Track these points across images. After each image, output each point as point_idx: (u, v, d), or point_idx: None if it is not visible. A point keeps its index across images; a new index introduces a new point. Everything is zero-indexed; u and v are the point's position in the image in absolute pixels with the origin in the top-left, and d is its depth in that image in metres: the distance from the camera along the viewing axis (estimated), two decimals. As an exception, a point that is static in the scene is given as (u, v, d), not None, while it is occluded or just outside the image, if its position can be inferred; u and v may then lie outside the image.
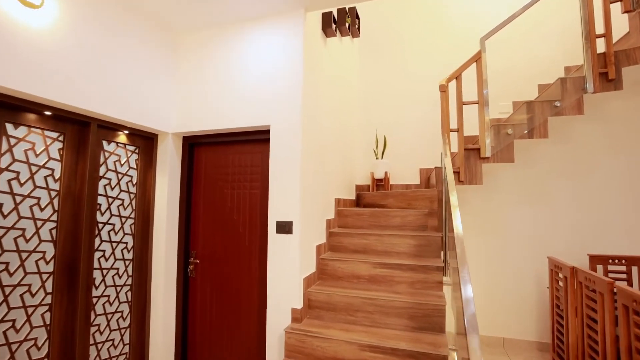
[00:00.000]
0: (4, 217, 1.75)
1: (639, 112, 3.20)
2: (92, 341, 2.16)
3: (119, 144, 2.39)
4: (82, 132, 2.13)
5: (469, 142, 3.21)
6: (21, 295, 1.81)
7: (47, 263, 1.93)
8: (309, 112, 2.38)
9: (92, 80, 2.03)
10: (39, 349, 1.87)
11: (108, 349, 2.28)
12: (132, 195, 2.48)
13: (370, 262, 2.46)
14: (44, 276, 1.91)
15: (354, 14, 3.46)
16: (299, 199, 2.21)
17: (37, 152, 1.90)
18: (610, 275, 2.92)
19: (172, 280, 2.63)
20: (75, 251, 2.07)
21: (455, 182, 2.59)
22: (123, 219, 2.41)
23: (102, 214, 2.26)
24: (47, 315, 1.92)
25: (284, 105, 2.31)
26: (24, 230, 1.83)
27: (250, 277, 2.50)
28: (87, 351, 2.11)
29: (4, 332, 1.73)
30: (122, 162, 2.42)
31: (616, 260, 2.97)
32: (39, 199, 1.90)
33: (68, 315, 2.02)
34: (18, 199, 1.81)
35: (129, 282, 2.45)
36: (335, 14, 2.90)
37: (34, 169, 1.88)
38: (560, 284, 2.72)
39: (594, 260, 3.02)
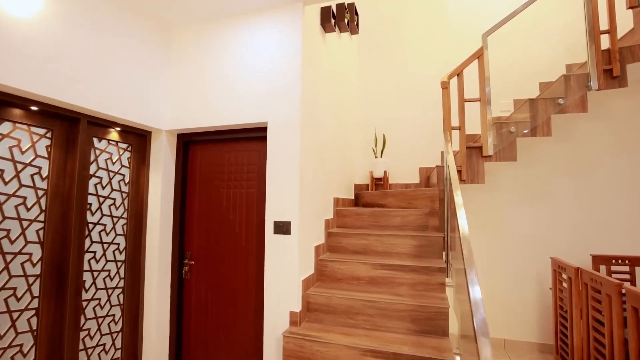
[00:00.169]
0: (-13, 217, 1.67)
1: (642, 110, 3.16)
2: (81, 346, 2.08)
3: (110, 142, 2.31)
4: (71, 129, 2.04)
5: (470, 140, 3.15)
6: (5, 300, 1.72)
7: (34, 265, 1.84)
8: (307, 109, 2.31)
9: (82, 75, 1.95)
10: (24, 355, 1.78)
11: (99, 354, 2.20)
12: (124, 195, 2.40)
13: (371, 263, 2.40)
14: (31, 279, 1.82)
15: (352, 10, 3.40)
16: (298, 198, 2.14)
17: (23, 150, 1.82)
18: (614, 275, 2.87)
19: (166, 282, 2.55)
20: (64, 253, 1.98)
21: (457, 181, 2.53)
22: (115, 219, 2.32)
23: (93, 214, 2.17)
24: (34, 320, 1.83)
25: (281, 101, 2.24)
26: (8, 231, 1.74)
27: (246, 279, 2.43)
28: (76, 357, 2.02)
29: (-13, 339, 1.65)
30: (114, 160, 2.34)
31: (619, 261, 2.93)
32: (25, 198, 1.81)
33: (56, 320, 1.93)
34: (2, 198, 1.72)
35: (121, 284, 2.36)
36: (334, 8, 2.82)
37: (19, 166, 1.79)
38: (564, 284, 2.66)
39: (597, 260, 2.97)
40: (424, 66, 3.99)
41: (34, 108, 1.83)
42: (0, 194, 1.71)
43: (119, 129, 2.34)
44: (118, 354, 2.33)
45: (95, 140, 2.20)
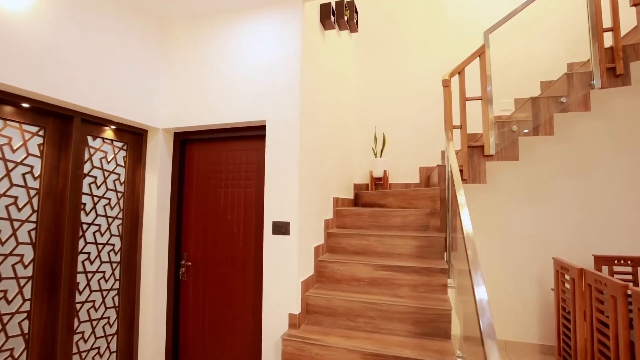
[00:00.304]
0: (-24, 217, 1.62)
1: (645, 109, 3.14)
2: (75, 350, 2.02)
3: (105, 140, 2.25)
4: (64, 127, 1.99)
5: (471, 139, 3.12)
6: (-4, 303, 1.67)
7: (25, 267, 1.79)
8: (307, 107, 2.27)
9: (75, 71, 1.90)
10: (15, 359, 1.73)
11: (93, 357, 2.14)
12: (119, 194, 2.34)
13: (371, 264, 2.35)
14: (22, 281, 1.77)
15: (352, 7, 3.35)
16: (297, 198, 2.09)
17: (14, 148, 1.76)
18: (616, 276, 2.84)
19: (163, 283, 2.49)
20: (57, 254, 1.93)
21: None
22: (110, 220, 2.27)
23: (87, 214, 2.12)
24: (25, 324, 1.78)
25: (280, 99, 2.19)
26: (-1, 231, 1.69)
27: (245, 280, 2.38)
28: (69, 361, 1.97)
29: (-24, 343, 1.60)
30: (109, 159, 2.28)
31: (622, 261, 2.89)
32: (16, 198, 1.76)
33: (48, 323, 1.88)
34: (-8, 198, 1.67)
35: (116, 286, 2.31)
36: (333, 5, 2.78)
37: (10, 165, 1.74)
38: (567, 285, 2.63)
39: (599, 261, 2.94)
40: (424, 65, 3.95)
41: (25, 105, 1.77)
42: (-10, 194, 1.66)
43: (114, 127, 2.28)
44: (113, 358, 2.27)
45: (89, 138, 2.14)
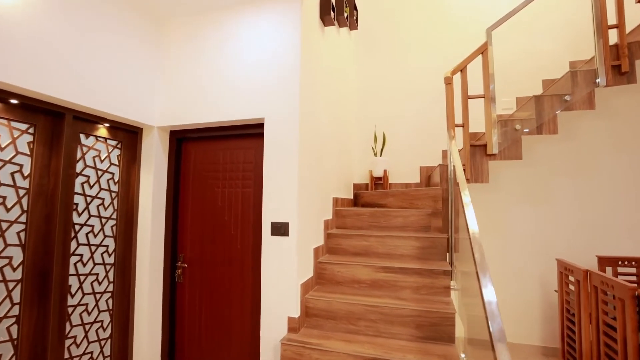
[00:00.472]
0: (-38, 218, 1.55)
1: (649, 107, 3.10)
2: (67, 355, 1.96)
3: (98, 138, 2.19)
4: (55, 124, 1.92)
5: (472, 138, 3.07)
6: (-18, 307, 1.60)
7: (14, 270, 1.72)
8: (306, 104, 2.21)
9: (67, 67, 1.83)
10: (4, 366, 1.67)
11: (86, 362, 2.08)
12: (113, 194, 2.28)
13: (372, 265, 2.30)
14: (11, 285, 1.70)
15: (352, 4, 3.30)
16: (296, 198, 2.03)
17: (3, 146, 1.69)
18: (620, 277, 2.80)
19: (158, 286, 2.43)
20: (48, 256, 1.86)
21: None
22: (103, 220, 2.20)
23: (80, 215, 2.05)
24: (14, 329, 1.71)
25: (279, 96, 2.13)
26: (-14, 233, 1.62)
27: (242, 282, 2.32)
28: (61, 366, 1.90)
29: (-38, 350, 1.53)
30: (103, 158, 2.22)
31: (626, 262, 2.85)
32: (4, 198, 1.69)
33: (39, 328, 1.81)
34: (-21, 198, 1.60)
35: (110, 288, 2.24)
36: (333, 1, 2.72)
37: (-2, 164, 1.67)
38: (571, 287, 2.58)
39: (603, 261, 2.89)
40: (424, 63, 3.90)
41: (14, 101, 1.71)
42: (-23, 194, 1.59)
43: (107, 125, 2.22)
44: (107, 362, 2.21)
45: (82, 136, 2.08)
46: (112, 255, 2.26)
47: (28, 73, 1.64)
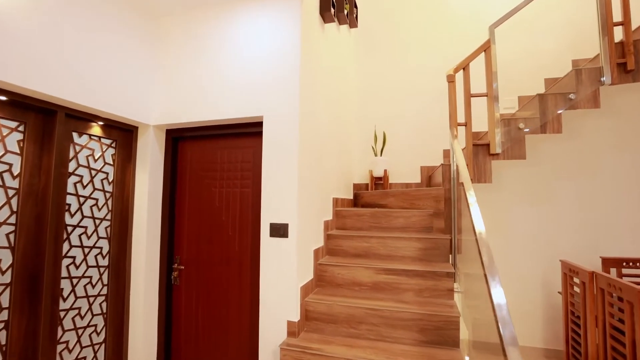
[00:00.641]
0: (-53, 219, 1.48)
1: (653, 106, 3.05)
2: (59, 361, 1.89)
3: (92, 137, 2.12)
4: (47, 122, 1.86)
5: (474, 138, 3.02)
6: (-31, 312, 1.54)
7: (3, 273, 1.66)
8: (306, 103, 2.15)
9: (59, 63, 1.77)
10: (-8, 373, 1.60)
11: (79, 368, 2.01)
12: (107, 194, 2.21)
13: (373, 267, 2.24)
14: (-1, 288, 1.64)
15: (352, 1, 3.25)
16: (296, 198, 1.97)
17: (-9, 144, 1.63)
18: (625, 279, 2.75)
19: (154, 288, 2.37)
20: (39, 258, 1.79)
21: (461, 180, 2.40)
22: (97, 221, 2.14)
23: (72, 216, 1.99)
24: (3, 334, 1.64)
25: (279, 94, 2.07)
26: (-27, 235, 1.56)
27: (240, 285, 2.26)
28: (52, 373, 1.84)
29: (-53, 357, 1.46)
30: (96, 157, 2.15)
31: (630, 263, 2.81)
32: (-8, 198, 1.63)
33: (29, 333, 1.74)
34: (-35, 198, 1.54)
35: (104, 291, 2.18)
36: (333, -3, 2.67)
37: (-14, 163, 1.61)
38: (576, 289, 2.53)
39: (607, 263, 2.85)
40: (425, 61, 3.85)
41: (3, 98, 1.64)
42: (-37, 194, 1.53)
43: (101, 123, 2.16)
44: (100, 368, 2.14)
45: (74, 135, 2.01)
46: (107, 257, 2.20)
47: (17, 69, 1.58)
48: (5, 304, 1.66)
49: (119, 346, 2.25)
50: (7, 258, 1.67)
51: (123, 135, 2.32)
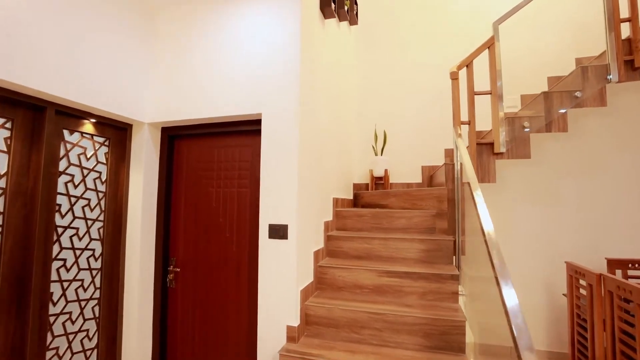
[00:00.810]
0: None
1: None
2: (48, 368, 1.81)
3: (84, 134, 2.05)
4: (36, 119, 1.78)
5: (477, 137, 2.96)
6: (-49, 318, 1.46)
7: (-11, 277, 1.58)
8: (306, 100, 2.08)
9: (49, 58, 1.69)
10: (-24, 382, 1.52)
11: (70, 375, 1.94)
12: (100, 194, 2.14)
13: (375, 269, 2.17)
14: (-16, 293, 1.56)
15: (352, -3, 3.18)
16: (296, 198, 1.90)
17: (-24, 141, 1.55)
18: (630, 280, 2.69)
19: (149, 291, 2.29)
20: (27, 260, 1.72)
21: (465, 179, 2.34)
22: (89, 222, 2.06)
23: (63, 217, 1.91)
24: (-12, 341, 1.57)
25: (278, 90, 2.00)
26: (-44, 237, 1.48)
27: (238, 288, 2.18)
28: (41, 381, 1.76)
29: None
30: (89, 156, 2.08)
31: (636, 265, 2.75)
32: (-23, 198, 1.55)
33: (16, 339, 1.66)
34: (-52, 198, 1.46)
35: (97, 295, 2.10)
36: (334, -8, 2.60)
37: (-30, 161, 1.53)
38: (582, 291, 2.48)
39: (613, 264, 2.80)
40: (425, 60, 3.79)
41: (-12, 93, 1.57)
42: (-55, 194, 1.45)
43: (94, 120, 2.08)
44: (93, 374, 2.07)
45: (65, 132, 1.94)
46: (99, 260, 2.12)
47: (5, 63, 1.50)
48: (-9, 309, 1.58)
49: (112, 352, 2.17)
50: (-7, 261, 1.59)
51: (117, 133, 2.24)
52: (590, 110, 3.03)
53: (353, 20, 3.63)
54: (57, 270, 1.88)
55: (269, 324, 1.91)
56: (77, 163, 2.00)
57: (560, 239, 3.15)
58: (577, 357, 2.53)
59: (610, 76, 2.43)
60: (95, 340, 2.08)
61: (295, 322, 1.88)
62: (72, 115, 1.95)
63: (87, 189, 2.05)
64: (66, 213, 1.93)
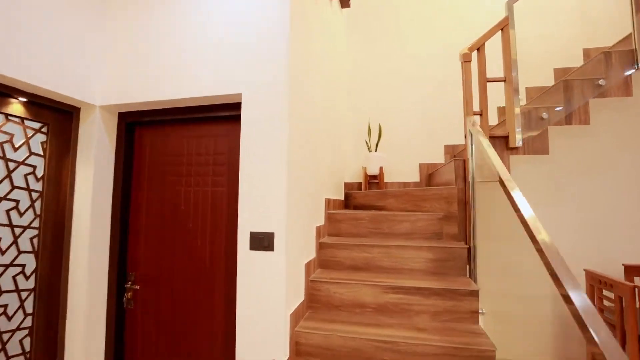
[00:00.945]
0: None
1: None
2: None
3: (9, 117, 1.59)
4: None
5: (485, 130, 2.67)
6: None
7: None
8: (298, 77, 1.70)
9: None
10: None
11: None
12: (34, 195, 1.68)
13: (379, 284, 1.82)
14: None
15: (345, -26, 2.83)
16: (285, 200, 1.52)
17: None
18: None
19: (100, 315, 1.85)
20: None
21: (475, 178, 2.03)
22: (17, 230, 1.61)
23: (-23, 224, 1.45)
24: None
25: (263, 65, 1.61)
26: None
27: (212, 311, 1.78)
28: None
29: None
30: (17, 145, 1.62)
31: (657, 272, 2.52)
32: None
33: None
34: None
35: (28, 323, 1.65)
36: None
37: None
38: (605, 303, 2.21)
39: (631, 270, 2.55)
40: (423, 49, 3.49)
41: None
42: None
43: (24, 99, 1.62)
44: None
45: (-19, 113, 1.48)
46: (32, 278, 1.66)
47: None
48: None
49: (49, 394, 1.71)
50: None
51: (58, 117, 1.79)
52: (610, 101, 2.77)
53: (345, 3, 3.28)
54: (-33, 295, 1.42)
55: (250, 358, 1.51)
56: (0, 154, 1.54)
57: (575, 243, 2.87)
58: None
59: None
60: (24, 383, 1.62)
61: (284, 355, 1.49)
62: (-9, 92, 1.49)
63: (13, 187, 1.59)
64: (-18, 219, 1.47)
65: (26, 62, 1.50)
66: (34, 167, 1.69)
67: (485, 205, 2.58)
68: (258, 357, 1.50)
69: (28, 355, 1.64)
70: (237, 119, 1.71)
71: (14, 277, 1.59)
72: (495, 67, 2.54)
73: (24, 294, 1.62)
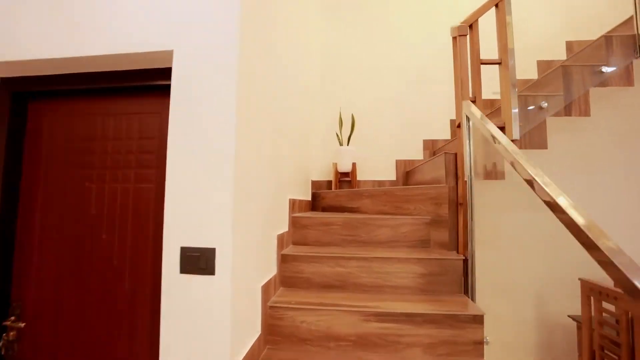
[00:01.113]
0: None
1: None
2: None
3: None
4: None
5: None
6: None
7: None
8: (252, 33, 1.25)
9: None
10: None
11: None
12: None
13: (359, 310, 1.42)
14: None
15: None
16: (230, 202, 1.06)
17: None
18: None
19: (-37, 367, 1.28)
20: None
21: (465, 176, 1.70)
22: None
23: None
24: None
25: (203, 13, 1.14)
26: None
27: (131, 355, 1.28)
28: None
29: None
30: None
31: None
32: None
33: None
34: None
35: None
36: None
37: None
38: (605, 316, 1.97)
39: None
40: (403, 32, 3.16)
41: None
42: None
43: None
44: None
45: None
46: None
47: None
48: None
49: None
50: None
51: None
52: (611, 92, 2.55)
53: (315, -26, 2.86)
54: None
55: None
56: None
57: (568, 249, 2.62)
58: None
59: None
60: None
61: None
62: None
63: None
64: None
65: None
66: None
67: (480, 207, 2.24)
68: None
69: None
70: (167, 89, 1.22)
71: None
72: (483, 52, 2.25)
73: None
